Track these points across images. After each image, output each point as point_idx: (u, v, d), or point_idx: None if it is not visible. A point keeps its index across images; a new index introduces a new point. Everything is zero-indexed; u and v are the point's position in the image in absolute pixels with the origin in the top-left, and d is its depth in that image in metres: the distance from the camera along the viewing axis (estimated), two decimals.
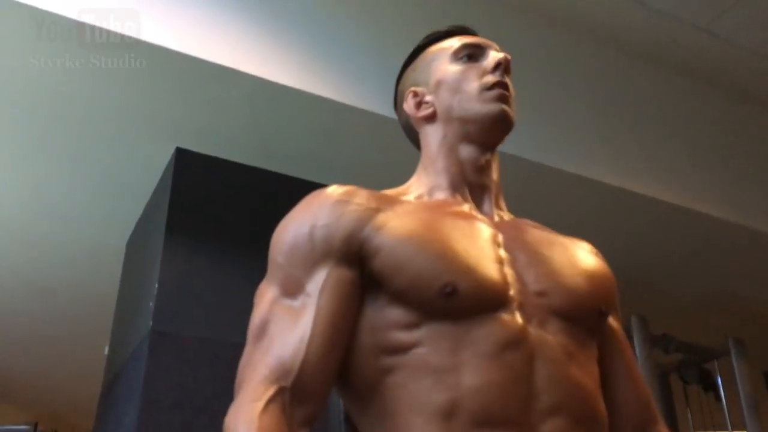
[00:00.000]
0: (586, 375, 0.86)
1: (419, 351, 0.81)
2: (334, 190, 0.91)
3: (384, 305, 0.85)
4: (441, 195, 0.98)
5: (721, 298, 3.48)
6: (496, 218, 0.98)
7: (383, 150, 2.29)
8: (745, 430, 2.91)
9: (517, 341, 0.82)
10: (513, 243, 0.92)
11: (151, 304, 2.15)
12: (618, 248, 3.01)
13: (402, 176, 1.06)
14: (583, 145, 2.67)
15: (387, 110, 1.63)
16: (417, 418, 0.79)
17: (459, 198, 0.98)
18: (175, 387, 2.04)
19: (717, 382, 3.18)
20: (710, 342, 3.19)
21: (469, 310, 0.82)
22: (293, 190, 1.62)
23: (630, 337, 2.80)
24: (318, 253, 0.85)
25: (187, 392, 2.05)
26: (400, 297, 0.84)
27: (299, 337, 0.81)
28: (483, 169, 1.00)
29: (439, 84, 1.03)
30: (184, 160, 2.39)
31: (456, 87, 1.01)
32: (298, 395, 0.79)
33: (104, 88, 2.13)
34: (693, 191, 2.86)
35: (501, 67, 1.00)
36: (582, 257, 0.97)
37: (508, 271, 0.88)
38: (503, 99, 0.99)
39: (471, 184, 0.99)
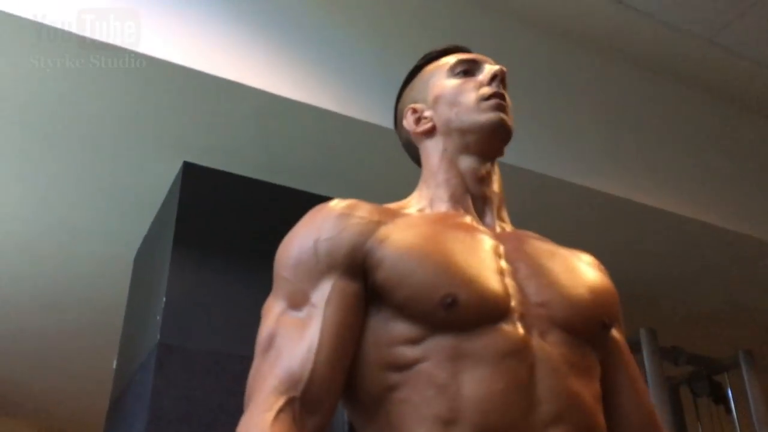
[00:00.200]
0: (586, 386, 0.86)
1: (423, 366, 0.82)
2: (336, 204, 0.92)
3: (388, 319, 0.85)
4: (442, 207, 0.99)
5: (730, 310, 3.46)
6: (498, 229, 0.98)
7: (389, 163, 2.29)
8: None
9: (518, 352, 0.82)
10: (514, 254, 0.93)
11: (158, 317, 2.16)
12: (626, 260, 3.01)
13: (407, 189, 1.07)
14: (589, 157, 2.67)
15: (392, 124, 1.64)
16: (419, 428, 0.79)
17: (461, 210, 0.98)
18: (183, 400, 2.04)
19: (727, 394, 3.15)
20: (720, 354, 3.17)
21: (470, 321, 0.83)
22: (300, 203, 1.63)
23: (639, 350, 2.79)
24: (322, 266, 0.86)
25: (194, 405, 2.05)
26: (403, 310, 0.84)
27: (307, 346, 0.81)
28: (484, 180, 1.01)
29: (437, 99, 1.04)
30: (191, 174, 2.40)
31: (453, 100, 1.02)
32: (308, 405, 0.79)
33: (112, 103, 2.15)
34: (701, 202, 2.85)
35: (497, 78, 1.02)
36: (583, 269, 0.97)
37: (510, 282, 0.88)
38: (501, 108, 1.00)
39: (472, 196, 1.00)
